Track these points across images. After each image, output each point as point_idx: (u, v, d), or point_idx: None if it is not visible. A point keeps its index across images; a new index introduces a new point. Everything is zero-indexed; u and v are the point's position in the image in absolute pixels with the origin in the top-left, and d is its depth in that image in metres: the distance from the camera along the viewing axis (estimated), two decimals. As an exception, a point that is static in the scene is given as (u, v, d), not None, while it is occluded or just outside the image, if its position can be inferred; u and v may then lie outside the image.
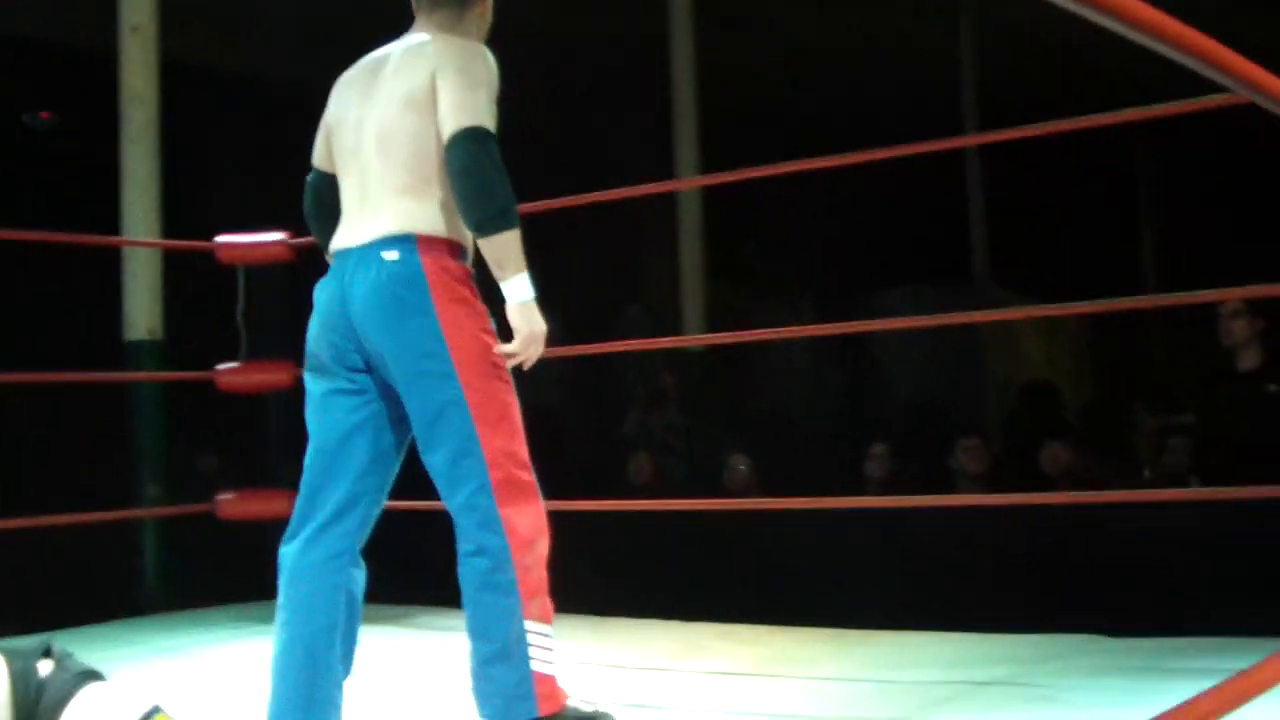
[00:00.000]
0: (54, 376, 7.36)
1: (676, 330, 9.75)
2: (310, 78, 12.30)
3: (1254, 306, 6.88)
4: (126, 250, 7.42)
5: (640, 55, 10.79)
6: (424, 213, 3.20)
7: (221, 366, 5.94)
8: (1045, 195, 16.34)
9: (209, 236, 5.98)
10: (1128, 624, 5.09)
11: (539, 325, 3.19)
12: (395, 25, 3.42)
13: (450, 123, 3.13)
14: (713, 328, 9.38)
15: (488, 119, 3.16)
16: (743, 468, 8.04)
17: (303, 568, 3.23)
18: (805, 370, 11.00)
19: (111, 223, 7.41)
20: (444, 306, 3.14)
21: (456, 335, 3.13)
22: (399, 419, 3.27)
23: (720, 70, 10.77)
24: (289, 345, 6.42)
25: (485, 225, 3.11)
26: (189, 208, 7.99)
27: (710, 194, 9.70)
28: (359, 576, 3.28)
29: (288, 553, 3.25)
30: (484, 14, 3.45)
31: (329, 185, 3.45)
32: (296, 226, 5.76)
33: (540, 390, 11.07)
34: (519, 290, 3.17)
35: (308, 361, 3.32)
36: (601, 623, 5.39)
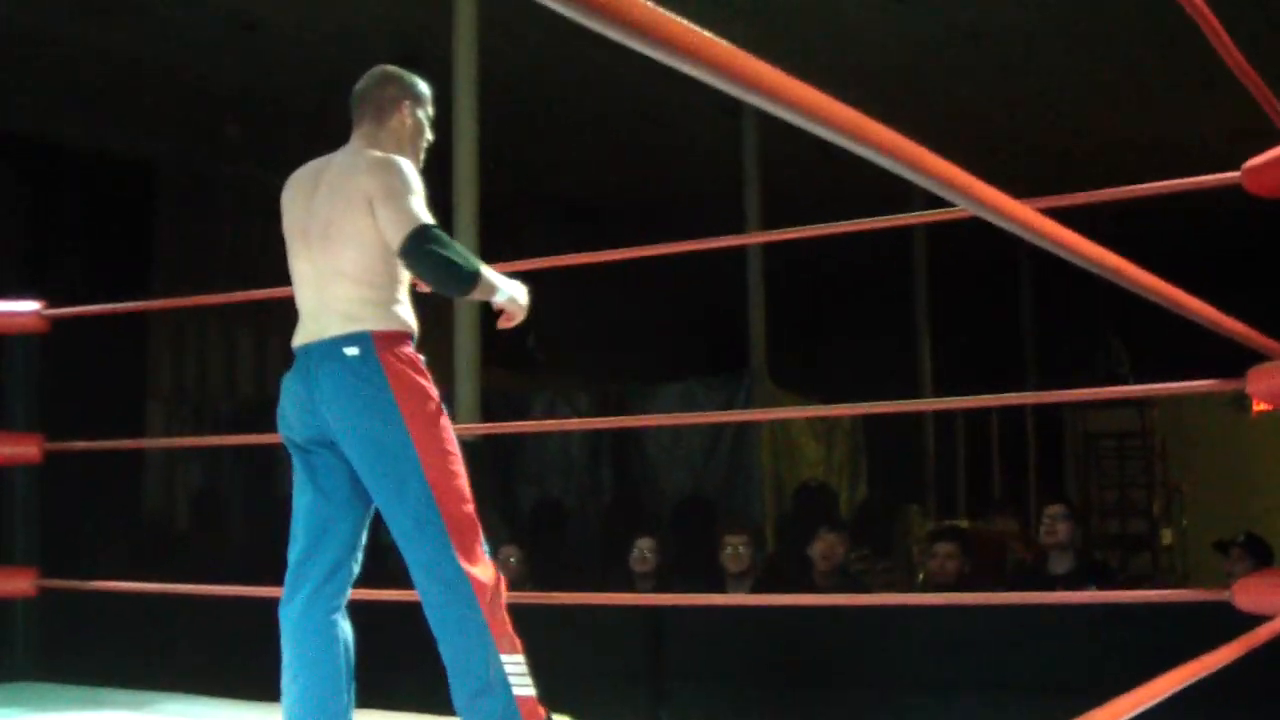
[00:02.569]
0: None
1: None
2: (71, 142, 12.04)
3: (1076, 512, 7.11)
4: None
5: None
6: (375, 310, 3.62)
7: (-34, 438, 5.68)
8: (824, 297, 16.57)
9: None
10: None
11: (521, 296, 3.76)
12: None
13: (395, 235, 3.55)
14: (489, 416, 9.27)
15: (422, 215, 3.58)
16: (513, 560, 7.90)
17: (306, 627, 3.65)
18: (578, 462, 10.93)
19: None
20: (405, 401, 3.56)
21: (419, 429, 3.56)
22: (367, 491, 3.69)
23: (507, 161, 10.77)
24: (38, 418, 6.21)
25: (465, 291, 3.63)
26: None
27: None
28: (349, 629, 3.73)
29: (290, 614, 3.67)
30: (403, 123, 3.87)
31: None
32: (52, 296, 5.57)
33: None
34: (504, 297, 3.71)
35: (288, 443, 3.74)
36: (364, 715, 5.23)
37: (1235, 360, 3.20)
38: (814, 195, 12.43)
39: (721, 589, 7.47)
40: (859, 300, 17.00)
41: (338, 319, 3.61)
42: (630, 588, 7.64)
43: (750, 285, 11.99)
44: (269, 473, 11.01)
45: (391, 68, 3.95)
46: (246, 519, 11.26)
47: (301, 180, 3.82)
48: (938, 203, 1.52)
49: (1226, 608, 3.54)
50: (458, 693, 3.57)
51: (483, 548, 3.62)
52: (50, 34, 10.44)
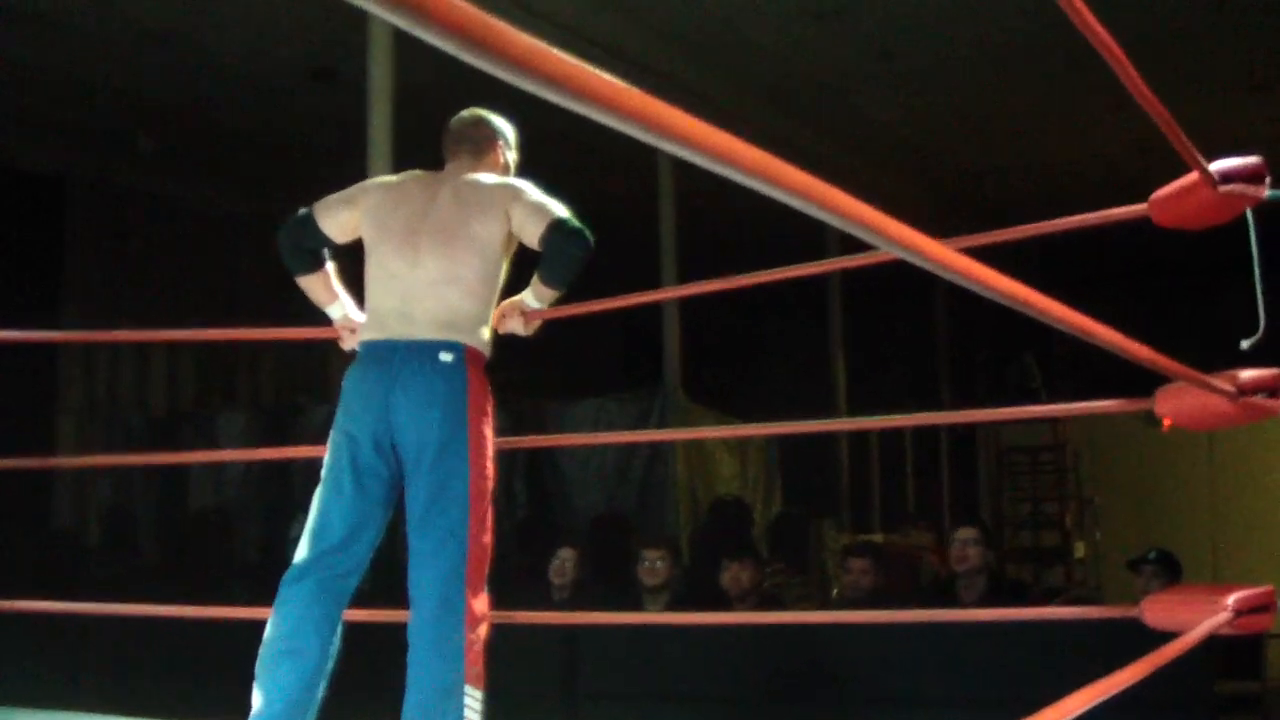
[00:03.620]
0: None
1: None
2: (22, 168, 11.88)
3: (987, 535, 7.08)
4: None
5: (341, 158, 10.73)
6: (474, 326, 3.85)
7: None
8: (739, 311, 16.61)
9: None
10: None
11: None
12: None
13: (542, 219, 3.85)
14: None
15: (564, 212, 3.88)
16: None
17: (311, 614, 3.69)
18: (499, 477, 10.91)
19: None
20: (475, 417, 3.76)
21: (478, 443, 3.74)
22: (396, 500, 3.83)
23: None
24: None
25: (567, 285, 3.97)
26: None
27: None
28: (340, 635, 3.78)
29: (298, 594, 3.70)
30: (498, 161, 4.23)
31: (322, 246, 4.08)
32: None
33: (222, 491, 10.82)
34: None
35: (342, 436, 3.80)
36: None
37: (1147, 376, 3.24)
38: (729, 209, 12.47)
39: (637, 605, 7.48)
40: (774, 315, 17.06)
41: (435, 324, 3.80)
42: (546, 600, 7.62)
43: (665, 302, 12.00)
44: (181, 489, 10.93)
45: (483, 111, 4.27)
46: (157, 536, 11.16)
47: (406, 186, 4.06)
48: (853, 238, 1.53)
49: (1139, 624, 3.58)
50: (412, 708, 3.63)
51: (485, 585, 3.74)
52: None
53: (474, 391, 3.78)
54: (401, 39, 8.91)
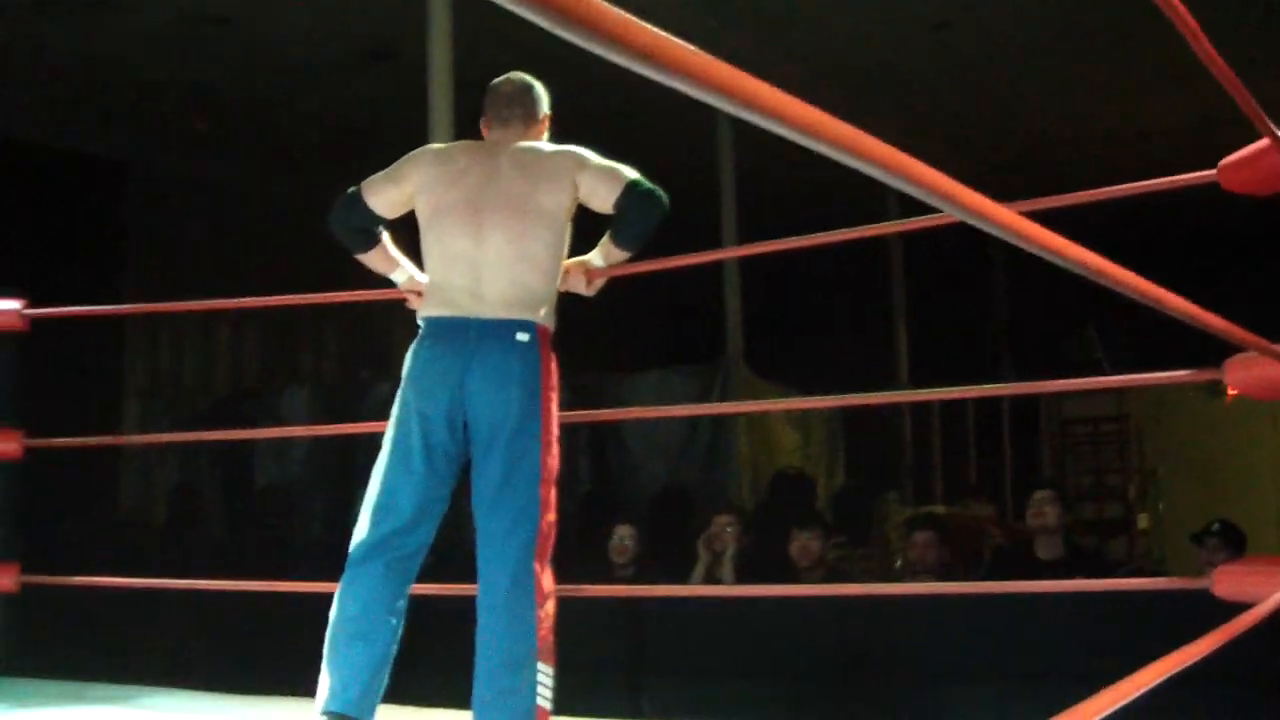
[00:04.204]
0: None
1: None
2: (54, 142, 12.01)
3: (1063, 497, 7.06)
4: None
5: (401, 139, 10.74)
6: (545, 305, 3.84)
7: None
8: (802, 284, 16.58)
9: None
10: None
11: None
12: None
13: (615, 184, 3.89)
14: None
15: (634, 174, 3.93)
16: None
17: (380, 596, 3.70)
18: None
19: None
20: (547, 395, 3.76)
21: (548, 421, 3.75)
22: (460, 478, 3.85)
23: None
24: (17, 414, 6.19)
25: (640, 247, 4.02)
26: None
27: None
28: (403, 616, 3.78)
29: (369, 574, 3.71)
30: (544, 130, 4.20)
31: (374, 225, 4.07)
32: (32, 293, 5.56)
33: (287, 469, 10.89)
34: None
35: (411, 413, 3.78)
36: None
37: (1209, 346, 3.22)
38: (790, 184, 12.45)
39: (706, 577, 7.49)
40: (835, 288, 17.01)
41: (507, 302, 3.79)
42: (609, 577, 7.64)
43: (726, 273, 12.00)
44: (246, 468, 11.00)
45: (528, 77, 4.21)
46: (223, 515, 11.25)
47: (460, 157, 4.01)
48: (914, 203, 1.53)
49: (1205, 595, 3.57)
50: (485, 685, 3.65)
51: (550, 559, 3.76)
52: (18, 33, 10.39)
53: (547, 370, 3.78)
54: (460, 18, 8.93)
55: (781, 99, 1.09)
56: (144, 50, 10.85)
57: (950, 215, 1.42)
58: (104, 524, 10.88)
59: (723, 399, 10.34)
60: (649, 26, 0.98)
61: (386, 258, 4.16)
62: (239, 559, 9.17)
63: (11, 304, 5.50)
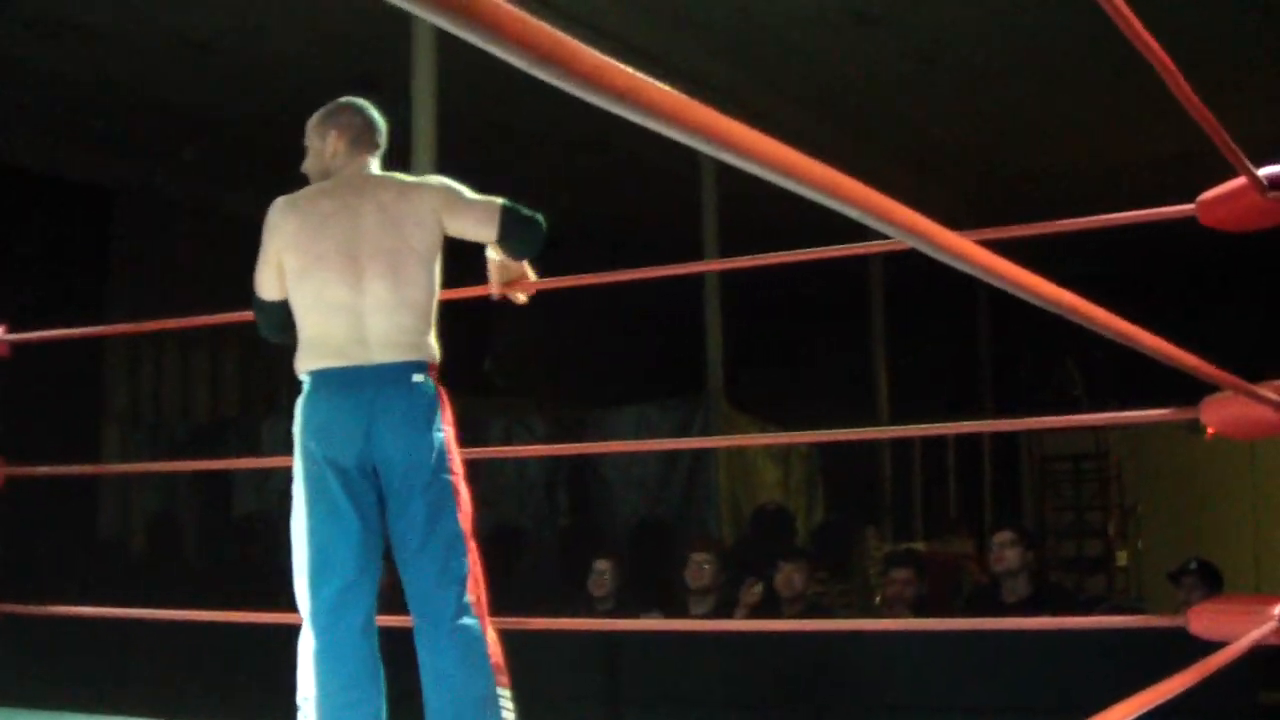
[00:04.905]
0: None
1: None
2: (36, 168, 11.99)
3: (1026, 538, 7.04)
4: None
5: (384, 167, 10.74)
6: (428, 340, 3.82)
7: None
8: (783, 319, 16.61)
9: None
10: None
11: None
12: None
13: (488, 218, 3.87)
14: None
15: (501, 200, 3.91)
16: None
17: (367, 651, 3.70)
18: (535, 485, 10.93)
19: None
20: (448, 428, 3.78)
21: (455, 453, 3.78)
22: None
23: (461, 177, 10.77)
24: (-2, 440, 6.17)
25: (541, 246, 3.98)
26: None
27: (448, 306, 9.61)
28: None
29: (346, 637, 3.67)
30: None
31: (287, 311, 3.89)
32: (11, 320, 5.55)
33: (266, 499, 10.87)
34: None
35: (324, 467, 3.72)
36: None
37: (1190, 382, 3.24)
38: (771, 215, 12.46)
39: (680, 612, 7.48)
40: (815, 322, 17.05)
41: (395, 347, 3.76)
42: (589, 611, 7.63)
43: (707, 307, 12.00)
44: (224, 496, 10.97)
45: (361, 101, 4.12)
46: (201, 543, 11.22)
47: (321, 205, 3.88)
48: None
49: (1183, 632, 3.58)
50: (456, 714, 3.67)
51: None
52: (5, 57, 10.40)
53: (445, 405, 3.81)
54: (444, 45, 8.95)
55: (759, 140, 1.09)
56: (130, 75, 10.86)
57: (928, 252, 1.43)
58: (81, 552, 10.84)
59: (703, 433, 10.33)
60: (625, 68, 0.99)
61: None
62: (218, 587, 9.14)
63: (-9, 329, 5.49)
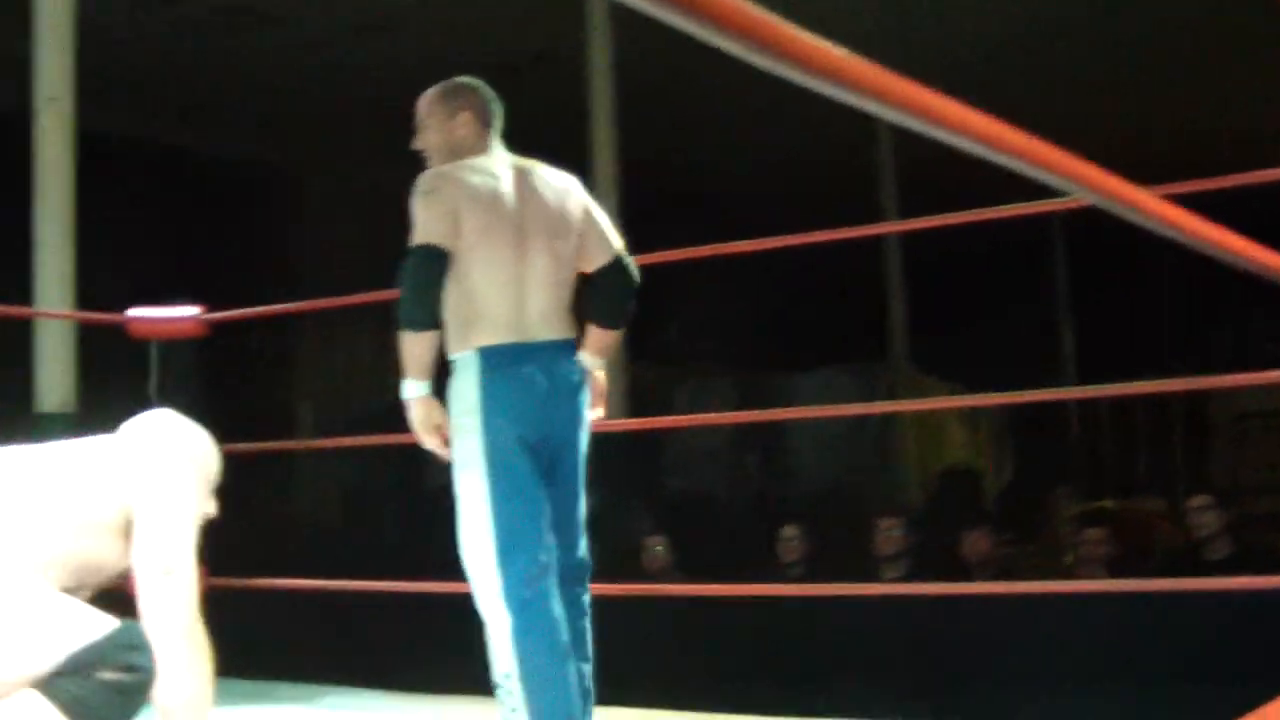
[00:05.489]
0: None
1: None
2: (227, 153, 12.27)
3: (1222, 499, 6.91)
4: (38, 322, 7.32)
5: (562, 140, 10.85)
6: (574, 319, 3.84)
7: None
8: (965, 279, 16.46)
9: (122, 309, 5.87)
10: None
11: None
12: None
13: (610, 247, 3.85)
14: (634, 407, 9.33)
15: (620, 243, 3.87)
16: (660, 549, 7.96)
17: (571, 616, 3.71)
18: (722, 451, 10.97)
19: (24, 293, 7.33)
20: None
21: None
22: None
23: (639, 149, 10.84)
24: (199, 419, 6.34)
25: (623, 319, 3.91)
26: (102, 280, 7.90)
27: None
28: None
29: (555, 605, 3.66)
30: None
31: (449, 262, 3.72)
32: (210, 300, 5.71)
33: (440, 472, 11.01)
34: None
35: (512, 443, 3.66)
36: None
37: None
38: (951, 175, 12.34)
39: (871, 576, 7.47)
40: (1000, 281, 16.87)
41: (560, 324, 3.77)
42: (778, 576, 7.65)
43: (889, 270, 11.96)
44: (417, 468, 11.15)
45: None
46: (397, 515, 11.41)
47: (490, 173, 3.77)
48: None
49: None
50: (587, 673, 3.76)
51: None
52: (198, 47, 10.65)
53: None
54: (619, 19, 9.00)
55: (960, 112, 1.11)
56: (315, 59, 11.06)
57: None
58: (281, 527, 11.09)
59: (888, 397, 10.30)
60: (836, 49, 0.99)
61: (433, 349, 3.73)
62: (413, 560, 9.30)
63: (190, 309, 5.66)
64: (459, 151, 3.85)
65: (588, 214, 3.85)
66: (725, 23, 0.91)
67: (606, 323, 3.88)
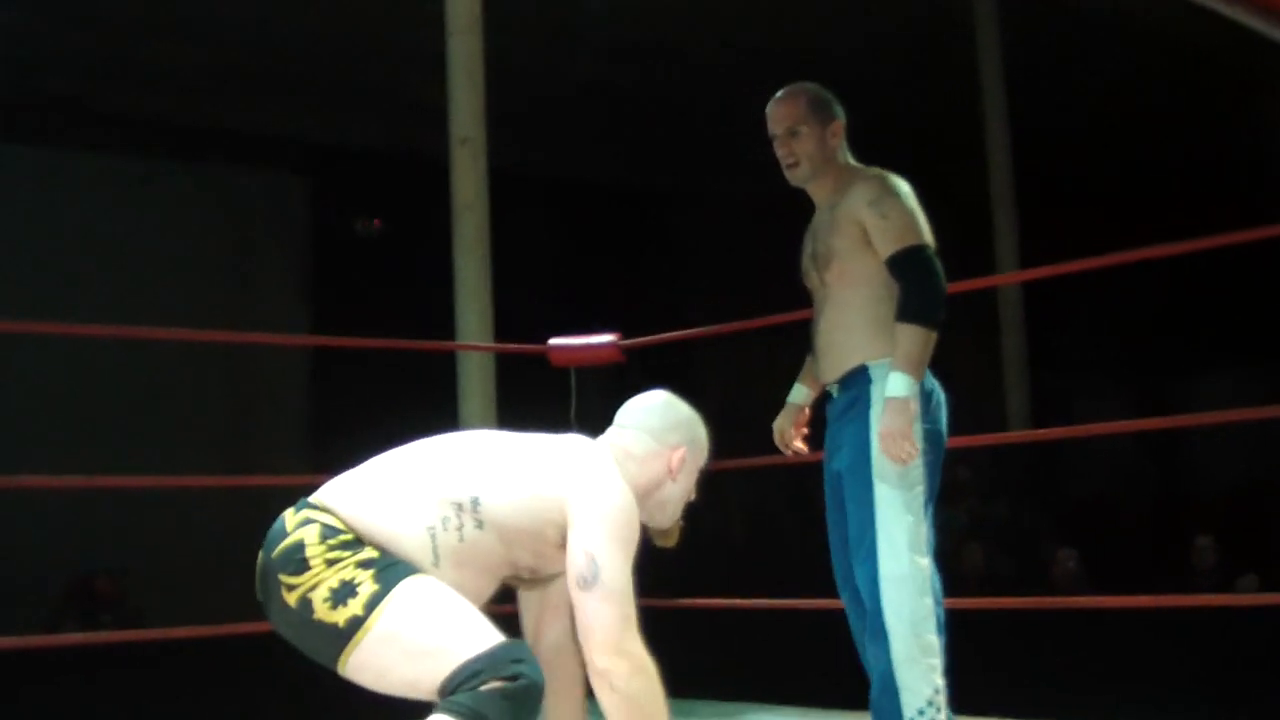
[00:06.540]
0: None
1: (998, 419, 9.72)
2: (635, 187, 12.61)
3: None
4: (461, 354, 7.68)
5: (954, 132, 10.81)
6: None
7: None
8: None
9: (531, 340, 6.08)
10: None
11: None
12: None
13: (896, 244, 3.57)
14: (1035, 416, 9.26)
15: (920, 234, 3.60)
16: (1071, 563, 7.88)
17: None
18: (1125, 455, 10.78)
19: (444, 327, 7.69)
20: None
21: None
22: None
23: (1033, 141, 10.71)
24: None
25: (933, 314, 3.53)
26: (516, 312, 8.21)
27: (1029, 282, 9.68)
28: None
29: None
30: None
31: None
32: (624, 328, 5.89)
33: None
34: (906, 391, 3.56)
35: (940, 448, 3.63)
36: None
37: None
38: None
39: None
40: None
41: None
42: (1190, 586, 7.51)
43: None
44: (814, 485, 11.23)
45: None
46: (798, 532, 11.51)
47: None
48: None
49: None
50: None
51: None
52: (586, 81, 11.01)
53: None
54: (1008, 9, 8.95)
55: None
56: (691, 87, 11.29)
57: None
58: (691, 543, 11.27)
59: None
60: None
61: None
62: (816, 577, 9.36)
63: (608, 337, 5.85)
64: (831, 159, 3.78)
65: (873, 213, 3.66)
66: None
67: (903, 297, 3.61)
